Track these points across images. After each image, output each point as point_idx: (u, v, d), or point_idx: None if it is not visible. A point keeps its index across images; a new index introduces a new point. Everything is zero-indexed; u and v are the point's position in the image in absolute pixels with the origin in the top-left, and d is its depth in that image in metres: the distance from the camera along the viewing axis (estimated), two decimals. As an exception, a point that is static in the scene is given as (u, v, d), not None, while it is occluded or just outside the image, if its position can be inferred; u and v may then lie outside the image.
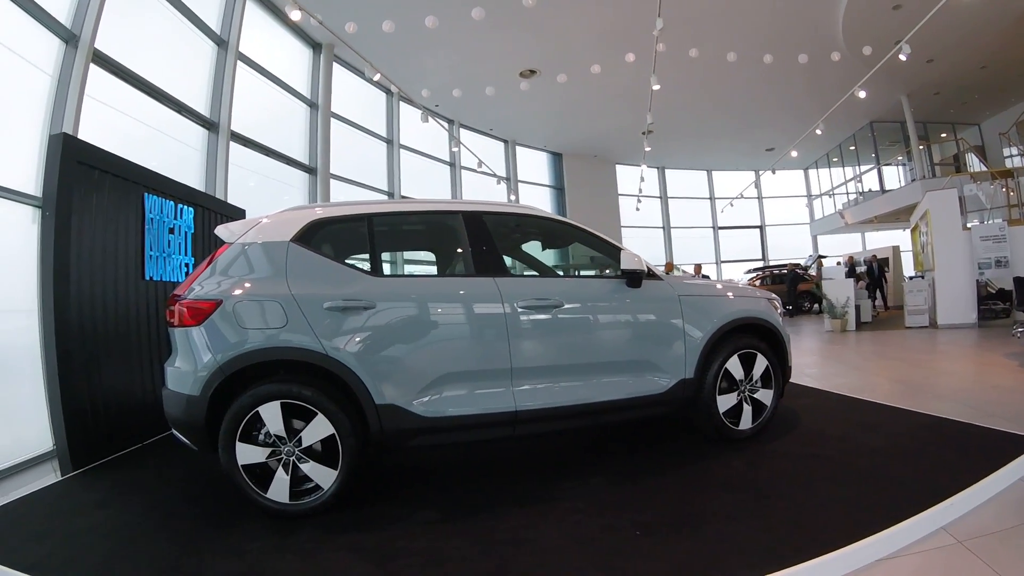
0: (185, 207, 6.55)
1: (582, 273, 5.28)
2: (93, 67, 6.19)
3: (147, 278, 5.85)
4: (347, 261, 4.24)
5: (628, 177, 25.01)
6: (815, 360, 5.56)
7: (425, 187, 16.97)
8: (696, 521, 3.29)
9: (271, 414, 3.62)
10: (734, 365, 4.73)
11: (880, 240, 25.58)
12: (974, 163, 21.28)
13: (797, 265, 21.96)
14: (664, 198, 26.68)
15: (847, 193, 25.75)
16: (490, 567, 2.92)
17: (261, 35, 10.96)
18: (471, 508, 3.73)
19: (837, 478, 3.81)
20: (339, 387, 3.79)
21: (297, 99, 12.23)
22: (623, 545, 3.06)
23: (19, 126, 5.50)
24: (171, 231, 6.26)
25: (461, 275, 4.51)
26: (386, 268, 4.58)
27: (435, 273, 5.05)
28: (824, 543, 2.82)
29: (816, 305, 19.32)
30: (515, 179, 20.91)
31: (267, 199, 10.74)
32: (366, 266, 4.24)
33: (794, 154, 20.57)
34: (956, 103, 20.29)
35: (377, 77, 11.50)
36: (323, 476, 3.68)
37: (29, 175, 5.36)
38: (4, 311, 5.08)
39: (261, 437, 3.65)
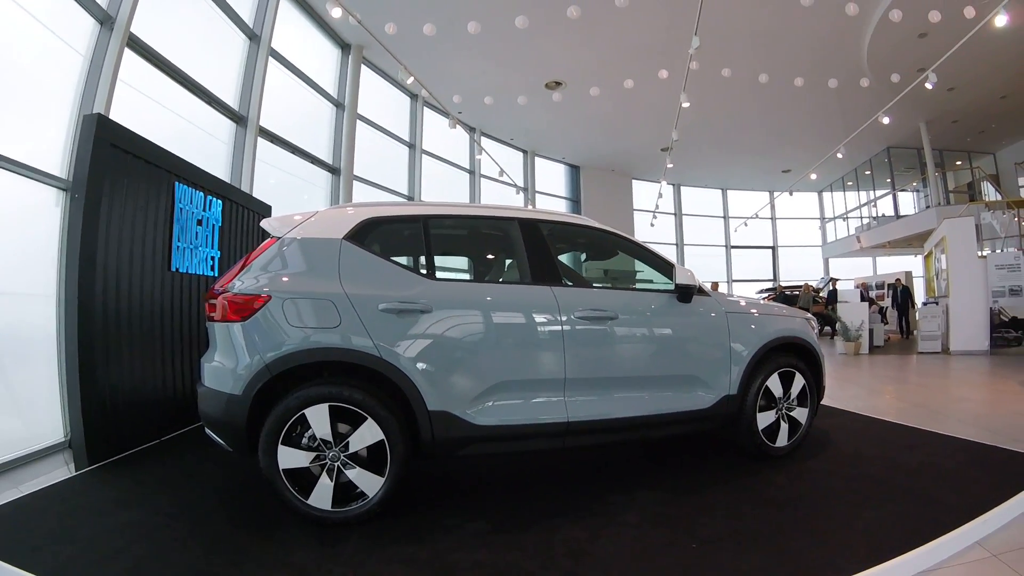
0: (214, 199, 6.32)
1: (635, 286, 5.04)
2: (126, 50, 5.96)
3: (173, 269, 5.60)
4: (401, 263, 4.04)
5: (644, 192, 24.81)
6: (835, 382, 5.59)
7: (444, 193, 16.69)
8: (752, 536, 3.27)
9: (318, 417, 3.42)
10: (774, 383, 4.67)
11: (892, 265, 25.36)
12: (989, 192, 21.08)
13: (810, 287, 21.65)
14: (679, 215, 26.39)
15: (861, 217, 25.52)
16: None
17: (292, 32, 10.70)
18: (522, 520, 3.57)
19: (879, 496, 3.85)
20: (391, 392, 3.62)
21: (324, 99, 11.98)
22: (684, 560, 3.02)
23: (47, 105, 5.21)
24: (199, 223, 6.02)
25: (517, 282, 4.33)
26: (441, 272, 4.35)
27: (488, 279, 4.81)
28: (873, 557, 2.91)
29: (828, 327, 19.03)
30: (533, 189, 20.67)
31: (288, 196, 10.51)
32: (422, 269, 4.06)
33: (813, 176, 20.41)
34: (973, 131, 20.09)
35: (410, 81, 11.23)
36: (369, 483, 3.49)
37: (55, 156, 5.08)
38: (19, 295, 4.77)
39: (305, 441, 3.44)
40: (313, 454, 3.43)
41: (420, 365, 3.64)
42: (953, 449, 4.95)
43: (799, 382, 4.81)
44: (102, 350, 4.67)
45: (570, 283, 4.39)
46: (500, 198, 18.68)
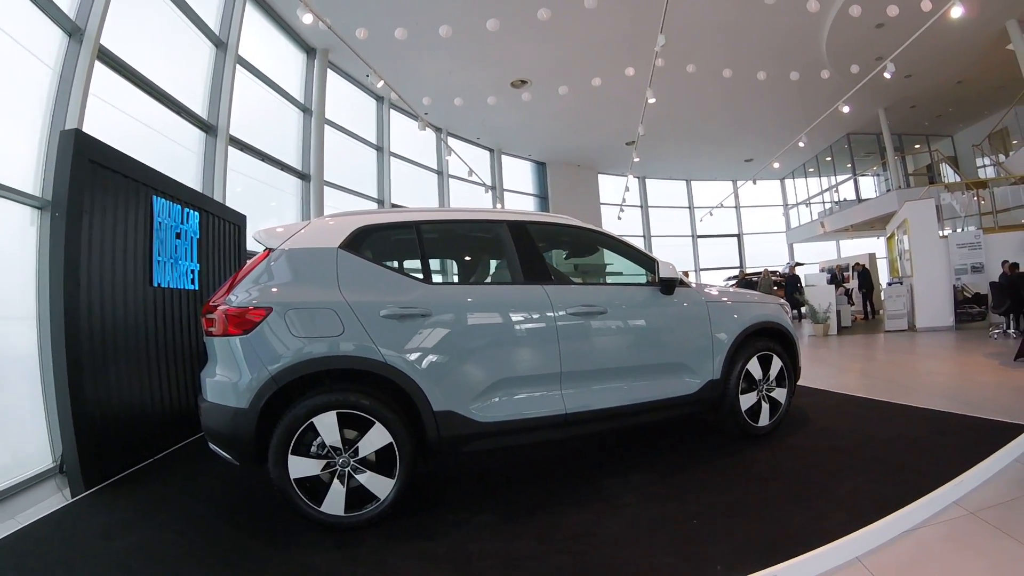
0: (191, 211, 6.16)
1: (618, 281, 5.19)
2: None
3: (155, 284, 5.45)
4: (397, 269, 4.13)
5: (610, 186, 24.99)
6: (808, 363, 5.86)
7: (413, 195, 16.58)
8: (743, 508, 3.48)
9: (327, 425, 3.45)
10: (754, 366, 4.86)
11: (854, 248, 26.07)
12: (948, 174, 21.39)
13: (774, 272, 21.89)
14: (644, 207, 26.56)
15: (823, 202, 25.89)
16: (568, 561, 2.96)
17: (257, 37, 10.55)
18: (526, 509, 3.70)
19: (856, 466, 4.09)
20: (396, 395, 3.67)
21: (291, 104, 11.82)
22: (684, 533, 3.20)
23: (16, 120, 5.08)
24: (178, 236, 5.86)
25: (510, 283, 4.36)
26: (436, 276, 4.41)
27: (481, 280, 4.85)
28: (858, 520, 3.10)
29: (795, 310, 19.30)
30: (501, 188, 20.66)
31: (258, 204, 10.38)
32: (417, 274, 4.05)
33: (776, 165, 20.73)
34: (931, 116, 20.57)
35: (380, 84, 11.16)
36: (380, 486, 3.53)
37: (27, 173, 4.97)
38: None
39: (314, 449, 3.46)
40: (323, 461, 3.45)
41: (424, 368, 3.69)
42: (924, 419, 5.21)
43: (776, 364, 5.01)
44: (91, 370, 4.52)
45: (558, 281, 4.49)
46: (469, 198, 18.68)
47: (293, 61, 12.22)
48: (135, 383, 5.11)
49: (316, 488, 3.45)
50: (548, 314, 4.10)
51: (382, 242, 4.24)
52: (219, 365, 3.61)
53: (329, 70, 13.02)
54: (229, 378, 3.52)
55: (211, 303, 3.72)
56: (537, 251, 4.41)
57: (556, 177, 22.87)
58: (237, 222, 7.54)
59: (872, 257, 21.55)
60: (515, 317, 4.08)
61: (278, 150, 11.07)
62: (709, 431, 5.25)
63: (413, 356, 3.68)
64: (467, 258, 5.10)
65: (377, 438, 3.52)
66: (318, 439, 3.44)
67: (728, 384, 4.72)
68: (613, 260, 5.15)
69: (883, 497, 3.39)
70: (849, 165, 23.35)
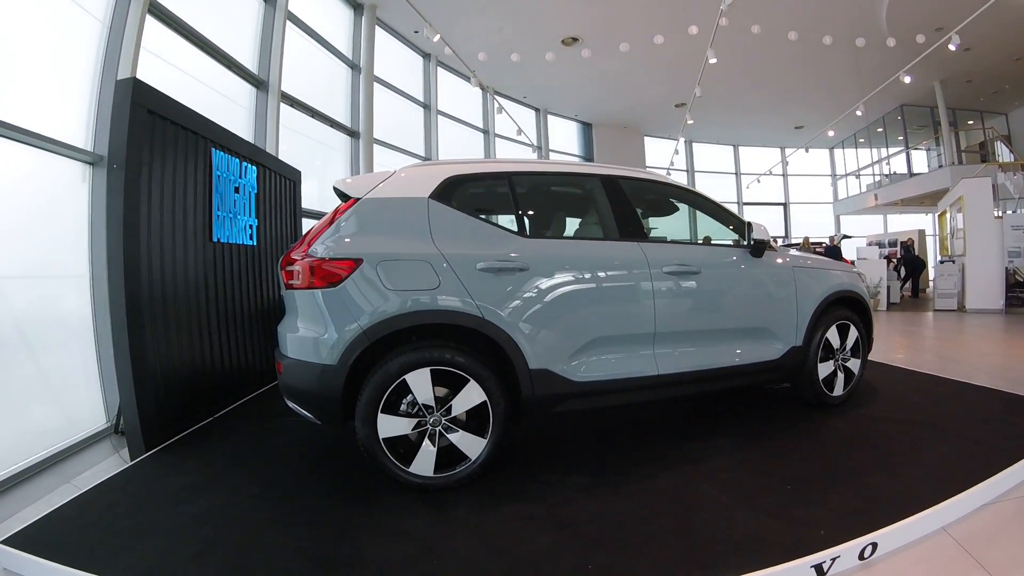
0: (249, 165, 5.97)
1: (714, 241, 5.21)
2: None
3: (215, 240, 5.27)
4: (491, 221, 3.91)
5: (655, 149, 24.26)
6: None
7: (459, 154, 16.16)
8: (833, 476, 3.51)
9: (420, 382, 3.34)
10: (832, 335, 4.84)
11: (902, 223, 25.31)
12: (1003, 152, 20.66)
13: (817, 244, 21.34)
14: (691, 171, 25.76)
15: (873, 175, 24.98)
16: (674, 525, 2.94)
17: None
18: (617, 471, 3.66)
19: (934, 438, 4.14)
20: (491, 352, 3.59)
21: (340, 61, 11.49)
22: (782, 498, 3.21)
23: (64, 75, 4.84)
24: (236, 190, 5.68)
25: (605, 239, 4.22)
26: (530, 229, 4.29)
27: (575, 235, 4.65)
28: (941, 491, 3.16)
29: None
30: (546, 148, 20.14)
31: (305, 162, 9.87)
32: (512, 226, 3.92)
33: (831, 133, 20.09)
34: (987, 92, 19.74)
35: (436, 39, 10.80)
36: (472, 445, 3.46)
37: (77, 128, 4.77)
38: (45, 278, 4.46)
39: (404, 407, 3.37)
40: (414, 420, 3.36)
41: (521, 324, 3.57)
42: (989, 398, 5.26)
43: (853, 334, 5.00)
44: (150, 329, 4.35)
45: (652, 239, 4.40)
46: (513, 156, 18.24)
47: (341, 17, 11.82)
48: (194, 341, 4.96)
49: (405, 448, 3.37)
50: (644, 272, 4.00)
51: (473, 193, 4.03)
52: (302, 319, 3.48)
53: (376, 26, 12.62)
54: (315, 333, 3.39)
55: (292, 254, 3.53)
56: (631, 207, 4.30)
57: (602, 138, 22.16)
58: (293, 178, 7.37)
59: (921, 234, 21.05)
60: (612, 274, 3.97)
61: (327, 107, 10.76)
62: (779, 400, 5.29)
63: (510, 312, 3.55)
64: (560, 212, 4.85)
65: (471, 396, 3.43)
66: (409, 397, 3.35)
67: (809, 351, 4.68)
68: (702, 219, 4.97)
69: (964, 470, 3.46)
70: (901, 137, 22.48)
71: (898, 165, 23.14)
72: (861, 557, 2.69)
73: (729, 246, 4.65)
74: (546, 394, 3.64)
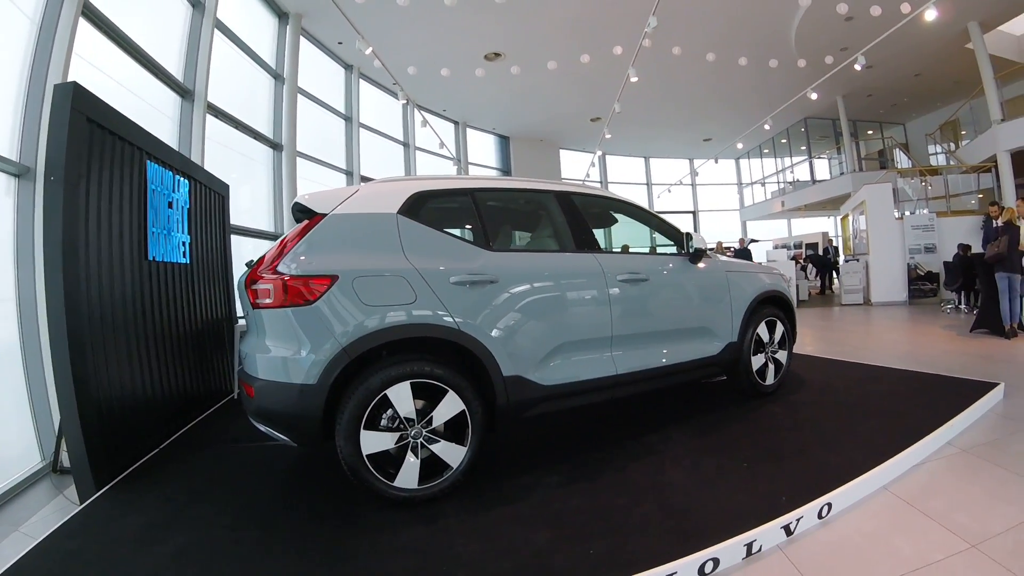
0: (182, 179, 5.57)
1: (657, 251, 5.28)
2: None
3: (150, 258, 4.87)
4: (457, 236, 3.91)
5: (571, 161, 24.54)
6: None
7: (380, 167, 15.78)
8: (782, 453, 3.84)
9: (401, 396, 3.30)
10: (762, 330, 5.22)
11: (806, 226, 26.53)
12: (901, 159, 21.88)
13: (727, 248, 22.00)
14: (604, 183, 26.11)
15: (778, 182, 26.07)
16: (654, 509, 3.11)
17: None
18: (589, 469, 3.79)
19: (862, 415, 4.60)
20: (466, 362, 3.61)
21: (264, 70, 11.01)
22: (740, 477, 3.49)
23: None
24: (170, 205, 5.28)
25: (564, 251, 4.33)
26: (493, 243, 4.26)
27: (534, 248, 4.77)
28: (877, 458, 3.56)
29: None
30: (465, 161, 20.01)
31: (225, 174, 9.43)
32: (479, 241, 3.95)
33: (739, 145, 20.87)
34: (886, 104, 21.03)
35: (368, 51, 10.44)
36: (453, 454, 3.46)
37: (1, 135, 4.38)
38: None
39: (384, 422, 3.30)
40: (396, 434, 3.31)
41: (494, 334, 3.63)
42: (906, 379, 5.74)
43: (779, 329, 5.40)
44: (93, 357, 3.96)
45: (606, 250, 4.52)
46: (435, 170, 18.04)
47: (265, 25, 11.35)
48: (135, 367, 4.55)
49: (388, 463, 3.30)
50: (600, 280, 4.17)
51: (439, 208, 4.01)
52: (274, 339, 3.32)
53: (300, 36, 12.21)
54: (290, 353, 3.24)
55: (257, 272, 3.38)
56: (585, 220, 4.45)
57: (519, 151, 22.29)
58: (221, 192, 6.94)
59: (825, 236, 22.10)
60: (573, 283, 4.12)
61: (249, 118, 10.23)
62: (717, 391, 5.63)
63: (483, 323, 3.60)
64: (520, 226, 5.00)
65: (451, 407, 3.43)
66: (389, 411, 3.29)
67: (743, 346, 5.03)
68: (638, 230, 5.26)
69: (894, 438, 3.90)
70: (804, 148, 23.61)
71: (801, 173, 24.27)
72: (820, 516, 3.06)
73: (670, 254, 4.91)
74: (519, 399, 3.71)
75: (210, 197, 6.46)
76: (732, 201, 29.59)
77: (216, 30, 8.75)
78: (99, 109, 4.20)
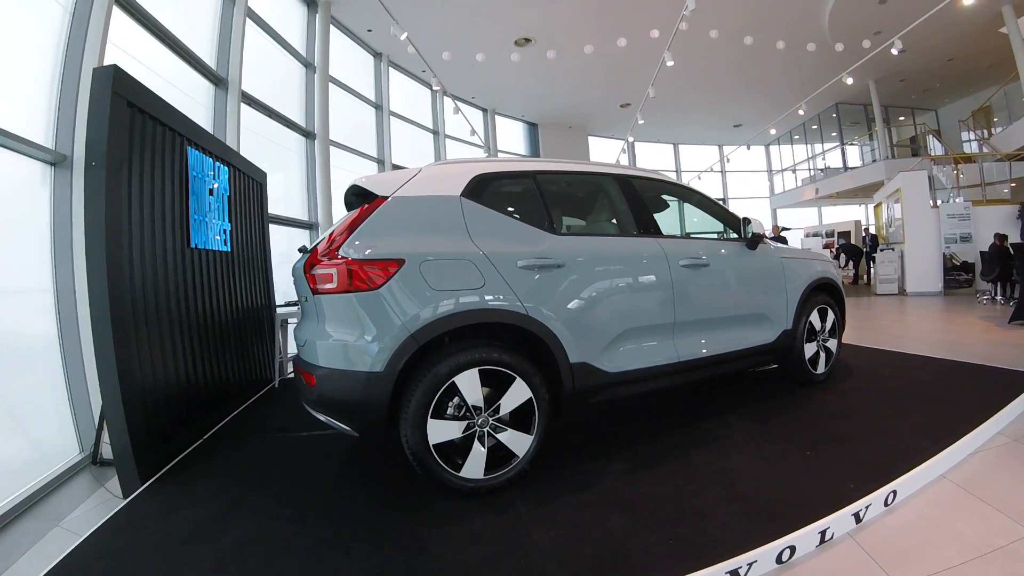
0: (222, 165, 5.45)
1: (716, 235, 5.21)
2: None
3: (192, 246, 4.75)
4: (521, 219, 3.77)
5: (599, 149, 24.23)
6: None
7: (410, 156, 15.60)
8: (841, 440, 3.78)
9: (470, 383, 3.18)
10: (814, 318, 5.13)
11: (835, 215, 26.10)
12: (935, 146, 21.31)
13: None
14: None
15: (809, 169, 25.55)
16: (724, 493, 3.08)
17: None
18: (651, 455, 3.72)
19: (909, 404, 4.50)
20: (536, 348, 3.48)
21: (295, 59, 10.90)
22: (805, 462, 3.44)
23: (20, 62, 4.27)
24: (211, 192, 5.15)
25: (627, 235, 4.20)
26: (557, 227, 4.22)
27: (596, 232, 4.62)
28: (935, 446, 3.51)
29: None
30: (494, 148, 19.79)
31: (261, 163, 9.39)
32: (543, 224, 3.77)
33: (772, 131, 20.48)
34: (918, 90, 20.52)
35: (404, 36, 10.28)
36: (519, 443, 3.34)
37: (34, 123, 4.24)
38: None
39: (451, 410, 3.18)
40: (463, 423, 3.19)
41: (561, 320, 3.50)
42: (949, 368, 5.68)
43: (830, 317, 5.32)
44: (136, 346, 3.83)
45: (668, 235, 4.39)
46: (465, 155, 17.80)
47: (295, 13, 11.21)
48: (179, 356, 4.43)
49: (454, 452, 3.19)
50: (664, 266, 4.06)
51: (501, 191, 3.87)
52: (336, 326, 3.18)
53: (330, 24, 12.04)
54: (355, 340, 3.11)
55: (317, 257, 3.23)
56: (645, 204, 4.34)
57: (548, 138, 21.96)
58: (259, 179, 6.81)
59: (858, 224, 21.60)
60: (638, 269, 3.98)
61: (281, 106, 10.10)
62: (765, 380, 5.53)
63: (551, 308, 3.47)
64: (583, 210, 4.80)
65: (518, 394, 3.31)
66: (455, 400, 3.17)
67: (797, 334, 4.95)
68: (696, 215, 5.13)
69: (947, 426, 3.84)
70: (835, 134, 23.08)
71: (832, 160, 23.74)
72: (886, 503, 3.02)
73: (728, 239, 4.81)
74: (584, 386, 3.61)
75: (249, 184, 6.33)
76: (762, 188, 29.03)
77: (247, 19, 8.62)
78: (139, 93, 4.06)
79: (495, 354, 3.24)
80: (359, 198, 3.57)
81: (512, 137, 21.36)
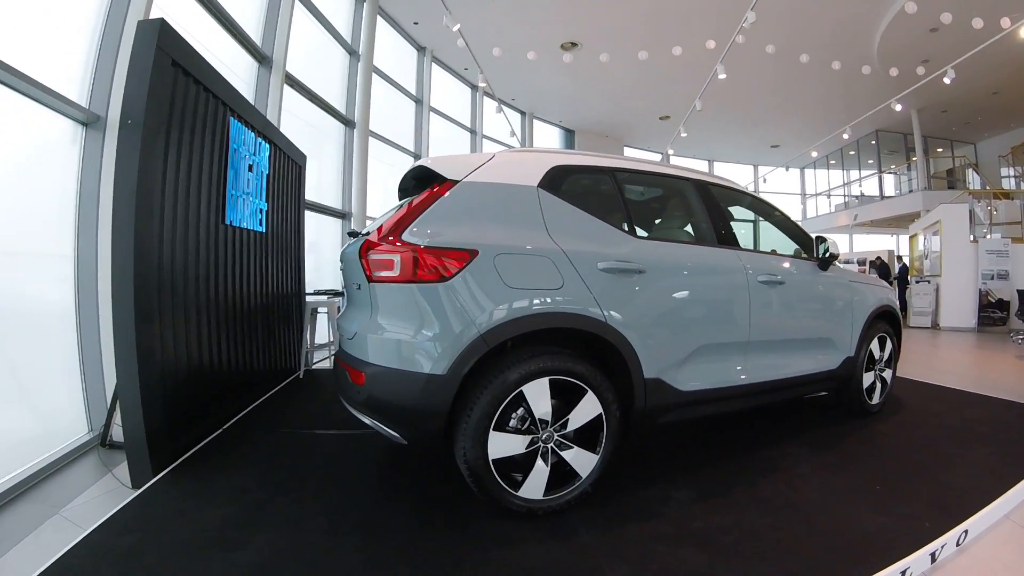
0: (263, 142, 5.10)
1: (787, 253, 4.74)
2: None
3: (227, 223, 4.38)
4: (600, 217, 3.32)
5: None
6: None
7: (446, 152, 15.18)
8: (909, 474, 3.51)
9: (538, 394, 2.80)
10: (874, 346, 4.78)
11: (866, 243, 25.47)
12: (974, 180, 20.72)
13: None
14: (666, 184, 25.37)
15: (844, 195, 24.95)
16: (802, 529, 2.78)
17: None
18: (718, 483, 3.36)
19: (969, 440, 4.21)
20: (608, 360, 3.10)
21: (340, 45, 10.58)
22: (877, 497, 3.16)
23: (57, 11, 3.92)
24: (250, 168, 4.80)
25: (707, 244, 3.79)
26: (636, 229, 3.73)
27: (672, 238, 4.04)
28: (1002, 486, 3.26)
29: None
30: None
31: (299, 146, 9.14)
32: (623, 225, 3.37)
33: (814, 154, 20.00)
34: (959, 122, 19.86)
35: (456, 27, 9.92)
36: (584, 462, 2.97)
37: (71, 79, 3.91)
38: (12, 254, 3.50)
39: (514, 423, 2.79)
40: (528, 437, 2.81)
41: (639, 330, 3.12)
42: (1001, 407, 5.32)
43: (888, 346, 4.97)
44: (159, 322, 3.46)
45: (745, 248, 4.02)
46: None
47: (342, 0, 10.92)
48: (203, 338, 4.06)
49: (513, 469, 2.81)
50: (743, 280, 3.70)
51: (579, 185, 3.44)
52: (392, 319, 2.78)
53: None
54: (415, 337, 2.71)
55: (377, 240, 2.82)
56: (725, 213, 4.01)
57: (584, 145, 21.20)
58: (299, 161, 6.47)
59: (891, 254, 21.02)
60: (719, 281, 3.63)
61: (322, 91, 9.72)
62: (813, 408, 5.13)
63: (630, 317, 3.09)
64: (661, 213, 4.34)
65: (589, 409, 2.93)
66: (519, 411, 2.79)
67: (858, 361, 4.60)
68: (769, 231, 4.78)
69: (1008, 466, 3.61)
70: (871, 161, 22.49)
71: (868, 188, 23.15)
72: (958, 543, 2.82)
73: (803, 258, 4.42)
74: (656, 405, 3.24)
75: (288, 165, 5.99)
76: (794, 212, 28.21)
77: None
78: (185, 52, 3.71)
79: (568, 363, 2.86)
80: (420, 182, 3.24)
81: (548, 142, 20.81)
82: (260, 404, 4.98)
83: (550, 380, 2.81)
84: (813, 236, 4.45)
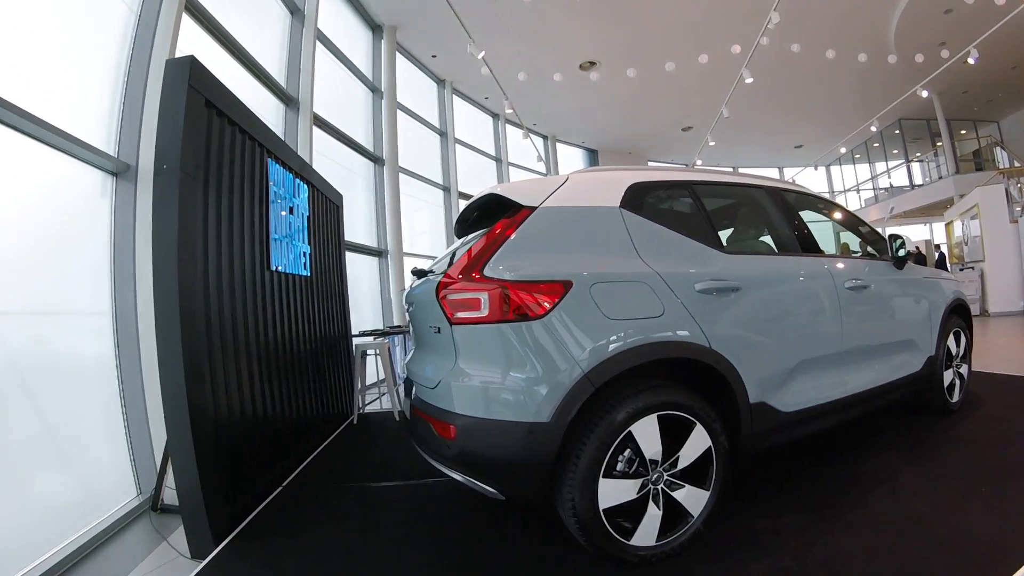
0: (301, 183, 4.81)
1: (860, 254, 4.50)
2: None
3: (273, 268, 4.08)
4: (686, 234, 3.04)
5: (659, 173, 23.44)
6: None
7: (473, 183, 14.83)
8: (1009, 473, 3.24)
9: (648, 432, 2.46)
10: (951, 342, 4.47)
11: (900, 234, 24.56)
12: (1002, 158, 19.86)
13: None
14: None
15: (873, 188, 24.24)
16: (924, 543, 2.50)
17: (322, 6, 8.91)
18: (822, 504, 3.03)
19: None
20: (710, 388, 2.78)
21: (362, 83, 10.40)
22: (985, 502, 2.91)
23: (79, 60, 3.68)
24: (291, 211, 4.51)
25: (792, 254, 3.48)
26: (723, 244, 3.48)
27: (759, 251, 3.73)
28: None
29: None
30: (555, 175, 18.98)
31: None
32: (711, 241, 3.06)
33: (843, 149, 19.43)
34: (981, 101, 19.12)
35: (481, 55, 9.67)
36: (695, 500, 2.62)
37: (96, 127, 3.66)
38: (50, 314, 3.24)
39: (621, 466, 2.43)
40: (638, 481, 2.46)
41: (741, 353, 2.82)
42: None
43: (963, 340, 4.67)
44: (210, 377, 3.14)
45: (828, 254, 3.76)
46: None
47: (361, 38, 10.72)
48: (256, 391, 3.72)
49: (623, 516, 2.45)
50: (831, 288, 3.41)
51: (660, 202, 3.19)
52: (482, 364, 2.45)
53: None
54: (511, 382, 2.36)
55: (456, 277, 2.51)
56: (803, 220, 3.72)
57: (608, 164, 20.96)
58: (336, 201, 6.18)
59: (928, 243, 20.37)
60: (811, 291, 3.34)
61: (348, 129, 9.54)
62: (887, 412, 4.76)
63: (731, 339, 2.78)
64: (744, 225, 3.95)
65: (698, 443, 2.60)
66: (626, 453, 2.44)
67: (938, 359, 4.27)
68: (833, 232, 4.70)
69: None
70: (896, 151, 21.83)
71: (896, 178, 22.51)
72: None
73: (879, 258, 4.11)
74: (761, 429, 2.93)
75: (327, 206, 5.71)
76: (821, 210, 27.73)
77: (316, 40, 8.10)
78: (218, 92, 3.42)
79: (676, 396, 2.53)
80: (484, 213, 3.04)
81: (573, 164, 20.52)
82: (319, 454, 4.65)
83: (658, 416, 2.49)
84: (888, 234, 4.16)
